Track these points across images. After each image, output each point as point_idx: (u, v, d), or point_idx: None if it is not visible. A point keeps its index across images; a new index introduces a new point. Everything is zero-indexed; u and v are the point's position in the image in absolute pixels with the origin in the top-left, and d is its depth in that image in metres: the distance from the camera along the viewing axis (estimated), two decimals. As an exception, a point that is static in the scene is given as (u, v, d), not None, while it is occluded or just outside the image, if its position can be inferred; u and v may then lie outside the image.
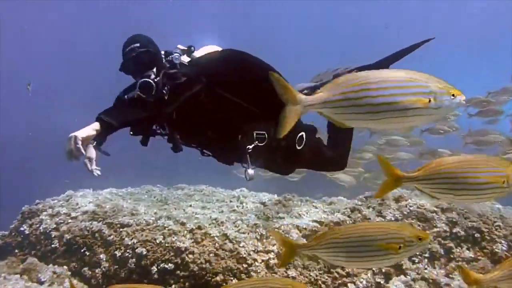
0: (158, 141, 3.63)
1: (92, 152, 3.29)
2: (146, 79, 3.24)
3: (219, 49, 3.74)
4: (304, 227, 5.15)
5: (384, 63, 3.98)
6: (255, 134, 3.56)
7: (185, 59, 3.53)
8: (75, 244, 5.04)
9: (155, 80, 3.26)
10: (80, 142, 2.84)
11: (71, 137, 2.83)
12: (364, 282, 4.50)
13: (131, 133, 3.44)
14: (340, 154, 4.15)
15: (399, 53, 3.95)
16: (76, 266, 4.91)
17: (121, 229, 5.11)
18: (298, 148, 3.76)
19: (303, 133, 3.75)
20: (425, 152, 7.14)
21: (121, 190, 6.98)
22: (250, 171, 3.58)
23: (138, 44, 3.33)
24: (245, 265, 4.60)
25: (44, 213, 5.56)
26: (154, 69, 3.33)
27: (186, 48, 3.54)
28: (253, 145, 3.53)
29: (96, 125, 2.97)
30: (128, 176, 8.89)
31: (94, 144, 3.38)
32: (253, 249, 4.78)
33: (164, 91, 3.25)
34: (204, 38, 3.84)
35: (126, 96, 3.33)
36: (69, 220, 5.36)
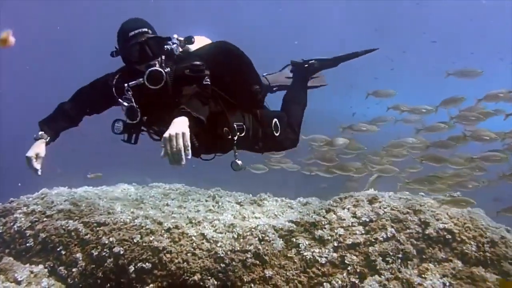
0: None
1: (42, 149, 3.23)
2: (157, 68, 3.12)
3: (209, 40, 3.74)
4: (280, 227, 5.21)
5: (336, 60, 4.66)
6: (236, 125, 3.59)
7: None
8: (51, 243, 4.98)
9: (165, 70, 3.16)
10: (189, 141, 2.59)
11: (178, 134, 2.54)
12: (340, 282, 4.59)
13: (117, 131, 3.35)
14: (297, 133, 4.35)
15: (350, 55, 4.59)
16: (52, 265, 4.85)
17: (97, 228, 5.09)
18: (276, 134, 3.88)
19: (275, 120, 3.86)
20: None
21: (96, 188, 6.93)
22: (239, 162, 3.61)
23: (145, 29, 3.18)
24: (222, 265, 4.64)
25: (19, 211, 5.46)
26: (159, 58, 3.20)
27: (182, 39, 3.42)
28: (236, 136, 3.57)
29: (186, 121, 2.68)
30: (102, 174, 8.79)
31: (47, 140, 3.30)
32: (231, 248, 4.83)
33: (207, 82, 3.15)
34: (195, 29, 3.81)
35: (127, 85, 3.17)
36: (44, 219, 5.28)
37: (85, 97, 3.50)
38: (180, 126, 2.61)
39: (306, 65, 4.69)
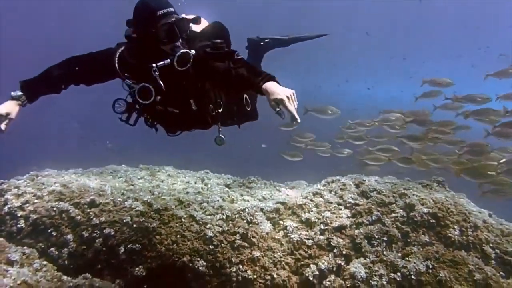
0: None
1: (15, 111, 3.21)
2: (187, 50, 3.16)
3: (206, 21, 3.81)
4: (268, 210, 5.30)
5: (289, 41, 5.22)
6: (217, 101, 3.73)
7: None
8: (42, 224, 5.00)
9: (191, 52, 3.19)
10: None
11: (292, 94, 2.69)
12: (326, 264, 4.68)
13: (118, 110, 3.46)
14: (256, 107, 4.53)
15: (303, 37, 5.22)
16: (43, 246, 4.87)
17: (88, 210, 5.13)
18: (248, 109, 4.10)
19: (245, 95, 4.00)
20: None
21: (86, 170, 6.95)
22: (222, 136, 3.75)
23: (172, 9, 3.21)
24: (211, 246, 4.73)
25: (9, 192, 5.46)
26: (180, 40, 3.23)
27: (190, 19, 3.42)
28: (219, 111, 3.72)
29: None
30: (91, 156, 8.82)
31: (24, 102, 3.29)
32: (219, 230, 4.91)
33: (241, 56, 3.23)
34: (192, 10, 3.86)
35: (155, 65, 3.18)
36: (35, 200, 5.29)
37: (82, 67, 3.48)
38: (284, 88, 2.73)
39: (261, 43, 5.12)
